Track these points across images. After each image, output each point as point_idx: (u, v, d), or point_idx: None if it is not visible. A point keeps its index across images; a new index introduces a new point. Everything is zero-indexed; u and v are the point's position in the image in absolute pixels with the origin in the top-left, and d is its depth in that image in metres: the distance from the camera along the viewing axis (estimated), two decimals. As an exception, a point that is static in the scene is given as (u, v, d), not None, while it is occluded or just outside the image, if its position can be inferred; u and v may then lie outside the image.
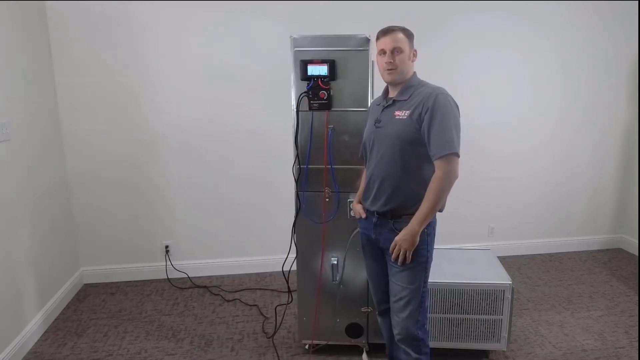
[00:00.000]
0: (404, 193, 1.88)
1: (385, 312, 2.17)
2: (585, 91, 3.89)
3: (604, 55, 3.84)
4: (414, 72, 1.95)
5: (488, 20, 3.64)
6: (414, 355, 1.98)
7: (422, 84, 1.92)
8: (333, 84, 2.28)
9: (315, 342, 2.61)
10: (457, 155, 1.78)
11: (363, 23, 3.43)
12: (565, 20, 3.74)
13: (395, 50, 1.86)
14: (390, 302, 2.01)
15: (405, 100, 1.88)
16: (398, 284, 1.94)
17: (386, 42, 1.87)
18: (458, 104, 1.85)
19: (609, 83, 3.90)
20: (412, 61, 1.92)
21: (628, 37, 3.84)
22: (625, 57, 3.87)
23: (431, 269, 1.99)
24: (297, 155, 2.37)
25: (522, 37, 3.71)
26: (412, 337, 1.96)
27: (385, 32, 1.88)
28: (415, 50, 1.93)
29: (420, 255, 1.89)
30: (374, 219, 1.99)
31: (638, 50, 3.86)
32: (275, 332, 2.86)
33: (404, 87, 1.91)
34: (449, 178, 1.78)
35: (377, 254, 2.07)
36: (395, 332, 2.00)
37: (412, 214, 1.84)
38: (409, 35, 1.90)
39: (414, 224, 1.82)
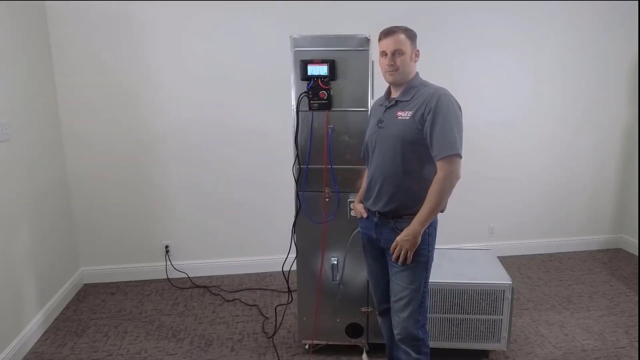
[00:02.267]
0: (405, 193, 1.88)
1: (386, 312, 2.18)
2: (585, 91, 3.89)
3: (604, 55, 3.84)
4: (417, 73, 1.94)
5: (488, 20, 3.64)
6: (414, 355, 1.98)
7: (424, 84, 1.91)
8: (333, 84, 2.28)
9: (315, 342, 2.61)
10: (460, 156, 1.78)
11: (363, 23, 3.43)
12: (565, 20, 3.74)
13: (397, 52, 1.86)
14: (391, 302, 2.02)
15: (408, 100, 1.88)
16: (398, 283, 1.94)
17: (388, 44, 1.87)
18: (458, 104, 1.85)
19: (609, 83, 3.90)
20: (415, 62, 1.92)
21: (628, 37, 3.84)
22: (625, 57, 3.87)
23: (432, 269, 2.00)
24: (297, 155, 2.37)
25: (522, 37, 3.71)
26: (412, 337, 1.96)
27: (387, 33, 1.88)
28: (418, 51, 1.92)
29: (421, 255, 1.90)
30: (375, 219, 1.99)
31: (638, 50, 3.86)
32: (275, 332, 2.86)
33: (407, 87, 1.91)
34: (451, 179, 1.78)
35: (377, 253, 2.07)
36: (396, 332, 2.00)
37: (414, 214, 1.84)
38: (410, 35, 1.89)
39: (415, 225, 1.82)
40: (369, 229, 2.06)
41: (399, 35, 1.86)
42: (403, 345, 2.00)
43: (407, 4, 3.51)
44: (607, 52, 3.84)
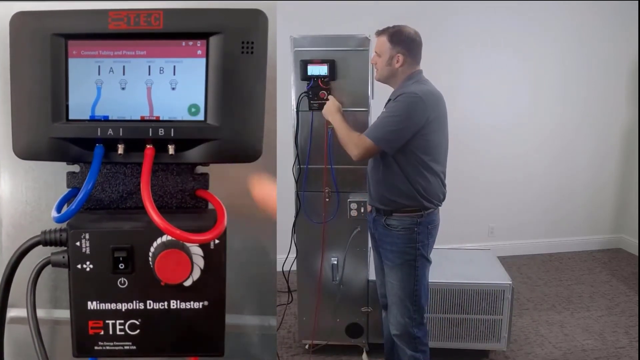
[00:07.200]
0: (389, 189, 1.91)
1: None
2: (585, 91, 3.88)
3: (604, 55, 3.84)
4: (415, 72, 1.93)
5: (488, 20, 3.64)
6: (409, 352, 2.00)
7: (415, 83, 1.89)
8: (333, 84, 2.27)
9: (315, 342, 2.61)
10: (374, 144, 1.82)
11: (363, 23, 3.41)
12: (566, 21, 3.74)
13: (376, 53, 1.94)
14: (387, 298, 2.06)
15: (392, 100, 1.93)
16: (390, 281, 1.99)
17: (375, 44, 1.95)
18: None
19: (609, 83, 3.90)
20: (397, 66, 1.90)
21: (628, 37, 3.83)
22: (625, 57, 3.87)
23: (431, 268, 2.01)
24: (297, 155, 2.37)
25: (522, 37, 3.71)
26: (408, 334, 1.99)
27: (376, 33, 1.95)
28: (399, 56, 1.89)
29: (406, 254, 1.92)
30: (373, 214, 2.04)
31: (638, 50, 3.86)
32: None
33: (397, 88, 1.94)
34: (355, 146, 1.87)
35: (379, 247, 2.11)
36: (392, 328, 2.04)
37: (403, 212, 1.89)
38: (394, 40, 1.88)
39: (335, 116, 2.02)
40: (370, 222, 2.13)
41: (381, 38, 1.92)
42: (399, 342, 2.03)
43: (407, 4, 3.50)
44: (607, 52, 3.83)
